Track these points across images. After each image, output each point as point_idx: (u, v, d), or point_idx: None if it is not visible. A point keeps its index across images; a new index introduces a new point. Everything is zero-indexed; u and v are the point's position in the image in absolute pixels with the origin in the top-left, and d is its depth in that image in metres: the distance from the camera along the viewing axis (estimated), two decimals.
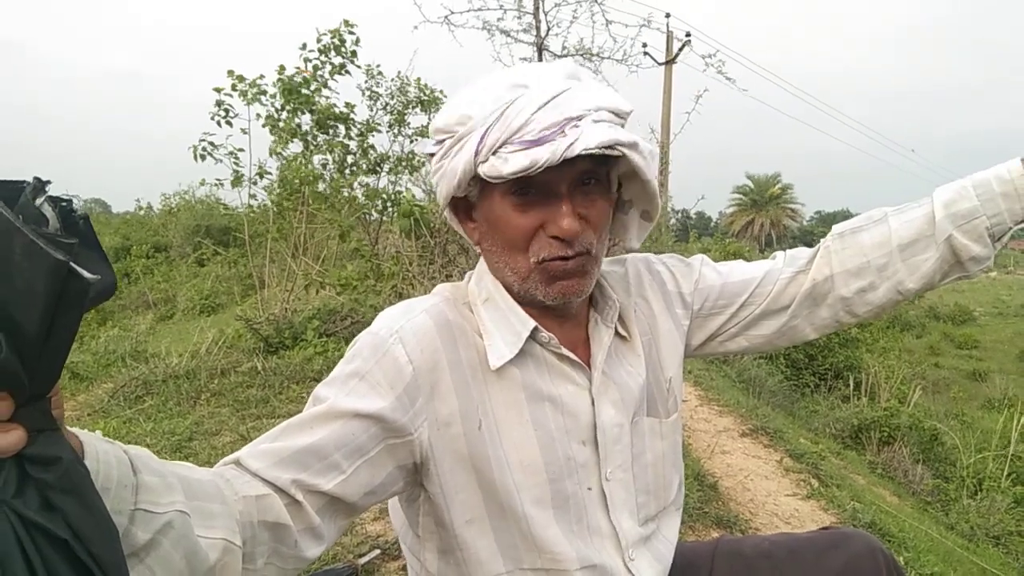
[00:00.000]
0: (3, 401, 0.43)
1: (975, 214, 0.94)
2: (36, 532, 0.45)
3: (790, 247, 1.13)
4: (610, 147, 0.78)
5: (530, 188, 0.84)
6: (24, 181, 0.46)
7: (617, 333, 1.00)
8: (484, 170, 0.81)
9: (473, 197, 0.91)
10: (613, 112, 0.83)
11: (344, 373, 0.83)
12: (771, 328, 1.08)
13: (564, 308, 0.94)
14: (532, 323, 0.91)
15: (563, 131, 0.78)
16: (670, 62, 15.51)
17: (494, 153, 0.80)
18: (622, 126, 0.84)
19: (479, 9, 5.15)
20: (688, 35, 14.39)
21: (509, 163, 0.79)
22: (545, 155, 0.77)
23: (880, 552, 1.04)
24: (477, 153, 0.81)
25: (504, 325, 0.91)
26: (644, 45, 12.93)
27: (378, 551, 2.27)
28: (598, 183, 0.88)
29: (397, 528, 1.02)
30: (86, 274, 0.44)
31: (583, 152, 0.77)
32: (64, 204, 0.47)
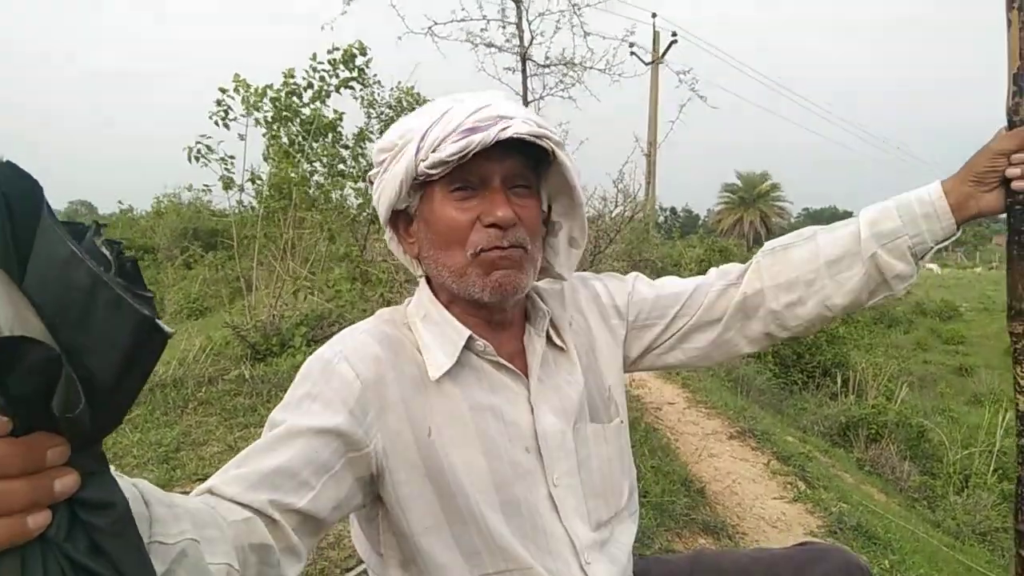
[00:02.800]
0: (61, 447, 0.43)
1: (898, 233, 0.99)
2: None
3: None
4: (539, 137, 0.87)
5: (468, 184, 0.90)
6: (82, 223, 0.46)
7: (553, 343, 1.03)
8: (424, 165, 0.87)
9: (412, 208, 0.96)
10: (540, 127, 0.89)
11: (296, 396, 0.87)
12: (705, 340, 1.11)
13: (499, 314, 0.98)
14: (467, 332, 0.95)
15: (496, 123, 0.86)
16: (656, 62, 15.55)
17: (433, 150, 0.87)
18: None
19: (462, 20, 5.17)
20: (674, 35, 14.41)
21: (447, 150, 0.85)
22: (479, 138, 0.84)
23: (857, 568, 1.07)
24: (418, 151, 0.88)
25: (441, 337, 0.95)
26: (631, 45, 12.92)
27: (364, 565, 2.27)
28: (529, 190, 0.94)
29: (361, 551, 1.04)
30: (167, 328, 0.45)
31: (515, 135, 0.84)
32: (115, 246, 0.47)
